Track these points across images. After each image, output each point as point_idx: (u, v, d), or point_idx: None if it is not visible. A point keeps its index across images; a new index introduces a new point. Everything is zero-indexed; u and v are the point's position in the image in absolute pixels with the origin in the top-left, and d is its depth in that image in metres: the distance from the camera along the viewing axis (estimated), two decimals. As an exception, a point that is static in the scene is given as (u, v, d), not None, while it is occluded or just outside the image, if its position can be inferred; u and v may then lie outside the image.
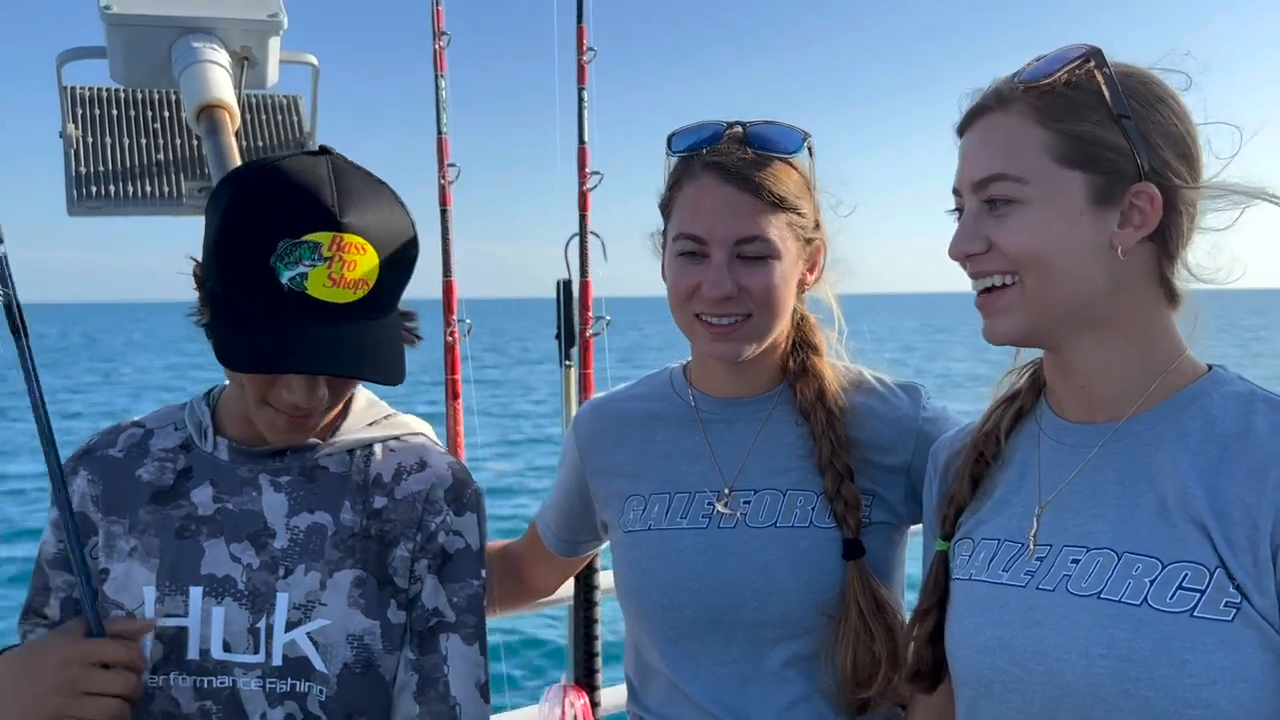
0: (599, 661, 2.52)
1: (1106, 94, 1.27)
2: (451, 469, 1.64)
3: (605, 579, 2.48)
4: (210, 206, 1.45)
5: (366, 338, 1.40)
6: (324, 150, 1.45)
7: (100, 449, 1.60)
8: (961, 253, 1.33)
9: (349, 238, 1.37)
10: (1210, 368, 1.34)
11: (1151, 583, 1.20)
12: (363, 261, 1.38)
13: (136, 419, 1.66)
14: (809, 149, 1.71)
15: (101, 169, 3.05)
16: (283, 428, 1.49)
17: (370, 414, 1.65)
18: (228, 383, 1.58)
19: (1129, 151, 1.26)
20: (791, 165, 1.68)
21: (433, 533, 1.58)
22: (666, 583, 1.68)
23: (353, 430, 1.61)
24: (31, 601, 1.59)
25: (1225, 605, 1.16)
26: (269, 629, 1.50)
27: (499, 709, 2.57)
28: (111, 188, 3.06)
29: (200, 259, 1.48)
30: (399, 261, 1.45)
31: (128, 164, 3.16)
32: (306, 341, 1.36)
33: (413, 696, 1.54)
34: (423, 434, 1.69)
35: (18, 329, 1.44)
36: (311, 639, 1.50)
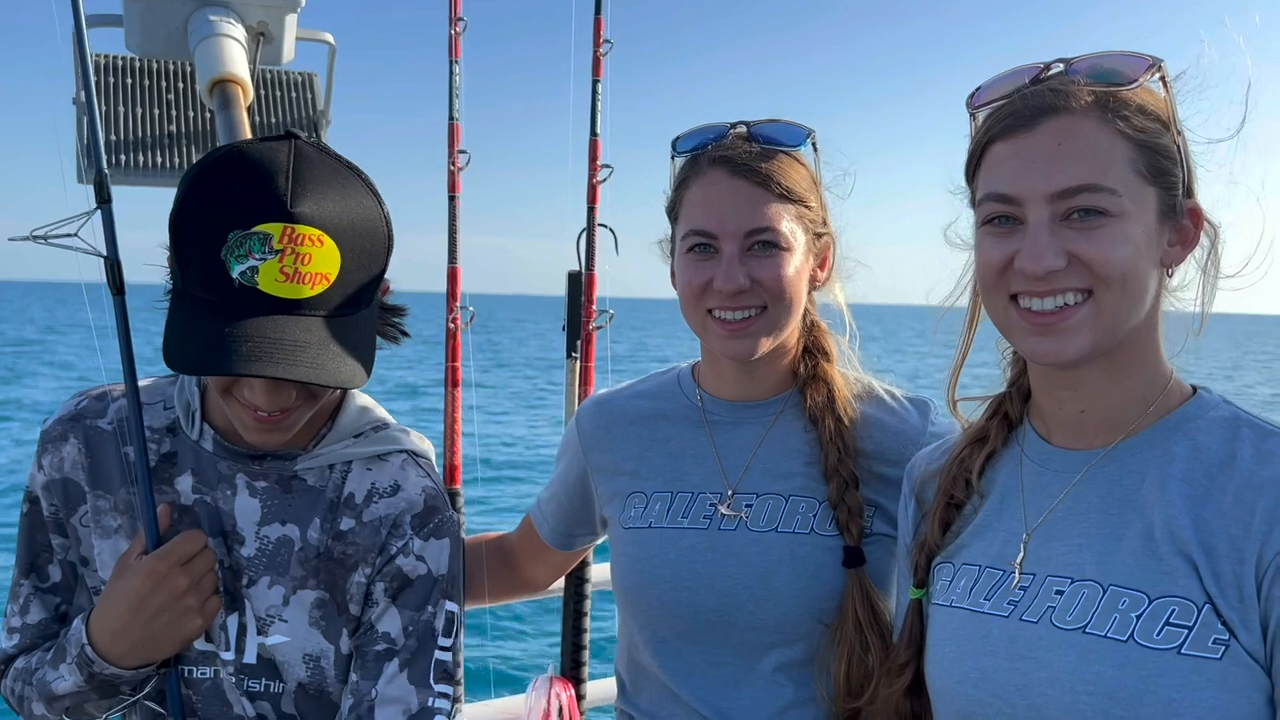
0: (586, 654, 2.52)
1: (1171, 107, 1.24)
2: (425, 494, 1.56)
3: (596, 573, 2.48)
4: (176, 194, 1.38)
5: (321, 337, 1.31)
6: (290, 134, 1.37)
7: (89, 417, 1.56)
8: (1046, 269, 1.19)
9: (302, 229, 1.28)
10: (1195, 390, 1.31)
11: (1138, 618, 1.18)
12: (319, 255, 1.30)
13: None
14: (813, 145, 1.71)
15: (114, 138, 3.05)
16: (253, 427, 1.41)
17: (360, 424, 1.59)
18: None
19: (1182, 167, 1.24)
20: (798, 160, 1.68)
21: (392, 556, 1.51)
22: (665, 581, 1.68)
23: (338, 440, 1.56)
24: (35, 559, 1.57)
25: (1214, 642, 1.14)
26: (241, 628, 1.49)
27: (483, 698, 2.57)
28: (123, 157, 3.06)
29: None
30: (364, 254, 1.36)
31: (140, 134, 3.16)
32: (246, 341, 1.26)
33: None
34: (410, 452, 1.60)
35: (119, 288, 1.46)
36: (272, 651, 1.49)
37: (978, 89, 1.33)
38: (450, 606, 1.54)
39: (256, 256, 1.27)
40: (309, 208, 1.30)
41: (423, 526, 1.53)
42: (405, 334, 1.56)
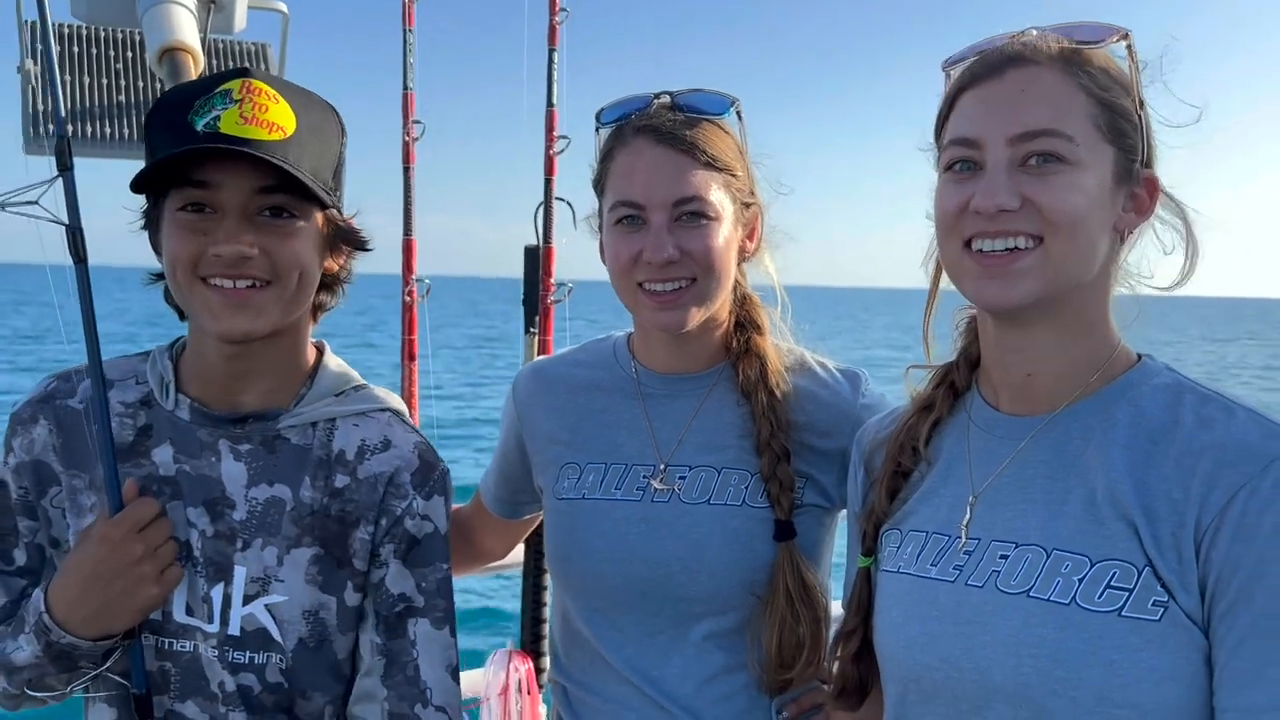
0: (546, 628, 2.52)
1: (1135, 76, 1.27)
2: (418, 450, 1.59)
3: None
4: None
5: (282, 161, 1.41)
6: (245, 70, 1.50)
7: (60, 398, 1.54)
8: (997, 206, 1.21)
9: (258, 83, 1.44)
10: (1140, 358, 1.33)
11: (1080, 581, 1.19)
12: (275, 109, 1.43)
13: None
14: (738, 114, 1.71)
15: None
16: (220, 307, 1.42)
17: (339, 383, 1.60)
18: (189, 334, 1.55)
19: (1142, 136, 1.26)
20: (722, 128, 1.68)
21: (399, 517, 1.54)
22: (598, 552, 1.69)
23: (319, 398, 1.56)
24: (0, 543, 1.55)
25: (1153, 604, 1.15)
26: (226, 599, 1.48)
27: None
28: (70, 127, 3.00)
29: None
30: (319, 131, 1.47)
31: (88, 103, 3.10)
32: (210, 142, 1.38)
33: (379, 679, 1.52)
34: (391, 410, 1.63)
35: (81, 257, 1.47)
36: (269, 612, 1.48)
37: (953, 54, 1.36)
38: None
39: (218, 109, 1.40)
40: (264, 80, 1.45)
41: (423, 484, 1.57)
42: (368, 248, 1.62)
